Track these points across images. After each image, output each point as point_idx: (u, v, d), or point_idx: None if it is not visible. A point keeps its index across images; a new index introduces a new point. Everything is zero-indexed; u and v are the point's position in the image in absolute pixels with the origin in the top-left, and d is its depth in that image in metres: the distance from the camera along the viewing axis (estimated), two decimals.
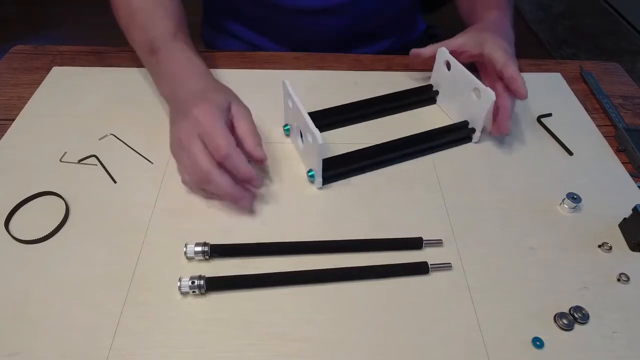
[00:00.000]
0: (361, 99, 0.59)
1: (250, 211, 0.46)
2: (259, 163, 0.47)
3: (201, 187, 0.45)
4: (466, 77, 0.53)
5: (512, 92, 0.52)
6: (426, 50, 0.58)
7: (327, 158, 0.50)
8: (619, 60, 0.72)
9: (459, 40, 0.56)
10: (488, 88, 0.50)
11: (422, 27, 0.83)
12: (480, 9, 0.64)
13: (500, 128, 0.53)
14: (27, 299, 0.39)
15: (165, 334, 0.37)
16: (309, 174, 0.49)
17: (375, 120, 0.58)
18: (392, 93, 0.60)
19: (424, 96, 0.60)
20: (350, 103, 0.58)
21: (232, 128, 0.46)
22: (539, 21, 2.22)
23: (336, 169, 0.50)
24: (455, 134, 0.55)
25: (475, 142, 0.55)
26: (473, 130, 0.54)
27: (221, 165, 0.43)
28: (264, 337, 0.37)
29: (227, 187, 0.42)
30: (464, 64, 0.54)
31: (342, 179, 0.50)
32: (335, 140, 0.55)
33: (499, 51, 0.53)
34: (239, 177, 0.43)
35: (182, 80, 0.49)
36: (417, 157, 0.53)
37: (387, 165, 0.52)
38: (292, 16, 0.68)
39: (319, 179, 0.48)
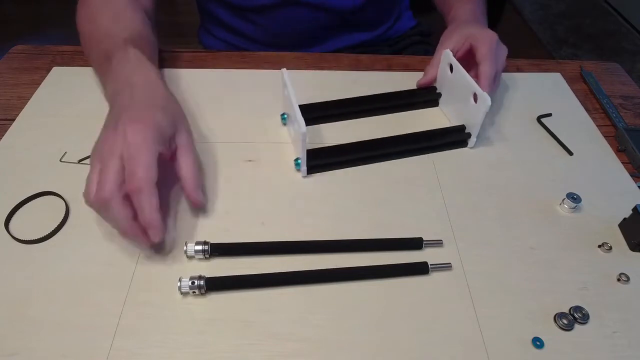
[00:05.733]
0: (362, 95, 0.58)
1: (158, 246, 0.41)
2: (195, 206, 0.44)
3: (96, 209, 0.39)
4: (466, 80, 0.52)
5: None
6: (429, 77, 0.59)
7: (316, 148, 0.51)
8: (619, 60, 0.72)
9: (448, 45, 0.57)
10: (485, 93, 0.49)
11: (411, 23, 0.83)
12: (451, 3, 0.66)
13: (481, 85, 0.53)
14: (27, 299, 0.39)
15: (165, 334, 0.37)
16: (296, 161, 0.50)
17: (374, 117, 0.58)
18: (395, 92, 0.60)
19: (427, 98, 0.60)
20: (352, 98, 0.58)
21: (172, 159, 0.43)
22: (539, 21, 2.22)
23: (324, 159, 0.50)
24: (451, 137, 0.54)
25: (471, 148, 0.54)
26: (469, 135, 0.54)
27: (128, 197, 0.38)
28: (264, 337, 0.37)
29: (121, 223, 0.38)
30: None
31: (328, 170, 0.51)
32: (331, 133, 0.55)
33: (483, 47, 0.54)
34: (140, 218, 0.38)
35: (129, 83, 0.45)
36: (408, 157, 0.53)
37: (376, 162, 0.52)
38: (258, 14, 0.70)
39: (303, 167, 0.49)
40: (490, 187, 0.50)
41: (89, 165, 0.40)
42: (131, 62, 0.47)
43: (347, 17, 0.71)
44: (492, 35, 0.55)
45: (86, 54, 0.56)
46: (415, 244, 0.44)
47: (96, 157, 0.40)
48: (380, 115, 0.58)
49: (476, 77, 0.54)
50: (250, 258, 0.43)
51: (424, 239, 0.44)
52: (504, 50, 0.57)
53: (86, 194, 0.39)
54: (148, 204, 0.38)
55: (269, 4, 0.67)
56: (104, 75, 0.50)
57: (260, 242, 0.43)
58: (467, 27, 0.58)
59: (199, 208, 0.45)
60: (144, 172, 0.38)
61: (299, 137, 0.46)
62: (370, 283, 0.41)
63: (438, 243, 0.44)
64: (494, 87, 0.55)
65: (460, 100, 0.54)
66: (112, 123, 0.41)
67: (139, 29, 0.53)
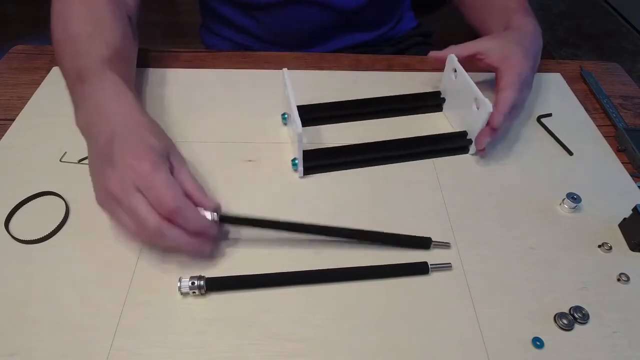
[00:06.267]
0: (366, 98, 0.58)
1: (210, 256, 0.42)
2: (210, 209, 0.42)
3: (152, 244, 0.40)
4: (469, 86, 0.52)
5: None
6: (445, 53, 0.56)
7: (314, 149, 0.51)
8: (619, 60, 0.72)
9: (485, 45, 0.54)
10: (486, 99, 0.49)
11: (413, 24, 0.83)
12: (505, 13, 0.61)
13: (477, 143, 0.52)
14: (27, 299, 0.39)
15: (165, 334, 0.37)
16: (293, 162, 0.50)
17: (377, 120, 0.58)
18: (398, 95, 0.59)
19: (431, 102, 0.59)
20: (356, 100, 0.58)
21: None
22: (539, 21, 2.22)
23: (322, 160, 0.51)
24: (452, 143, 0.54)
25: (472, 154, 0.54)
26: (470, 141, 0.53)
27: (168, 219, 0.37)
28: (264, 337, 0.38)
29: (183, 240, 0.38)
30: (472, 71, 0.53)
31: (326, 171, 0.51)
32: (333, 133, 0.55)
33: (512, 75, 0.51)
34: (190, 229, 0.38)
35: (107, 112, 0.42)
36: (407, 161, 0.52)
37: (375, 165, 0.52)
38: (263, 11, 0.69)
39: (300, 168, 0.49)
40: (490, 187, 0.50)
41: (104, 212, 0.39)
42: (107, 90, 0.44)
43: (350, 16, 0.71)
44: (523, 68, 0.52)
45: (56, 57, 0.51)
46: (423, 243, 0.44)
47: (108, 201, 0.38)
48: (383, 118, 0.58)
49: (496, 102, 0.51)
50: (250, 258, 0.43)
51: (433, 241, 0.44)
52: (528, 89, 0.54)
53: (137, 235, 0.38)
54: (191, 214, 0.38)
55: (275, 2, 0.67)
56: (75, 96, 0.46)
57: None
58: (516, 46, 0.54)
59: (215, 211, 0.42)
60: (171, 192, 0.37)
61: (295, 137, 0.46)
62: (370, 283, 0.41)
63: (446, 245, 0.44)
64: (509, 117, 0.51)
65: (462, 105, 0.54)
66: (106, 162, 0.39)
67: (119, 44, 0.49)
